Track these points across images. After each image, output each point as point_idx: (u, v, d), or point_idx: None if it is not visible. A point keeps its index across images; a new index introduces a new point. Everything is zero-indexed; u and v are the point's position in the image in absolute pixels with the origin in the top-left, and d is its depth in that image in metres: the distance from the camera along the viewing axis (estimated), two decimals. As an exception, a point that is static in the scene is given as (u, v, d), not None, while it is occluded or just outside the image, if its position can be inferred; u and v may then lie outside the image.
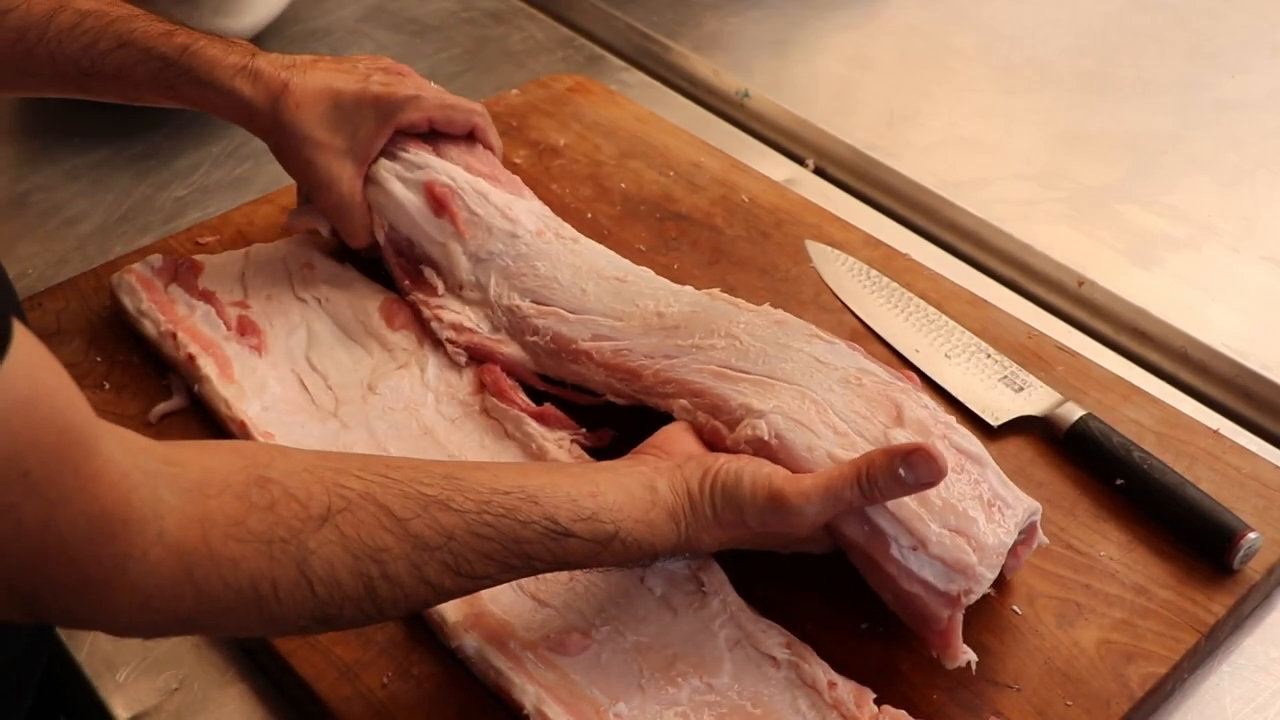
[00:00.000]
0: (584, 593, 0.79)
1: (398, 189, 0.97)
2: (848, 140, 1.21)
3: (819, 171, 1.22)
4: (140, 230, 1.14)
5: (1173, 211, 1.13)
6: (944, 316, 0.98)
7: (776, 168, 1.19)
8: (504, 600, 0.78)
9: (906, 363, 0.94)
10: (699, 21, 1.39)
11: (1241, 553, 0.80)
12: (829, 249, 1.05)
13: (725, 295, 0.90)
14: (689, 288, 0.92)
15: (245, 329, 0.96)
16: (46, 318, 0.99)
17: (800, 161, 1.22)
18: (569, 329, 0.90)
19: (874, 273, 1.02)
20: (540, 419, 0.89)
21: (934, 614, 0.73)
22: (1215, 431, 0.90)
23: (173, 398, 0.93)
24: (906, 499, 0.73)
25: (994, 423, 0.90)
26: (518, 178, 1.02)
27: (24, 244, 1.13)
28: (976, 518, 0.74)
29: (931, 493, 0.73)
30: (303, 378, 0.94)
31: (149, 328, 0.96)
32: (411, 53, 1.37)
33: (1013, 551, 0.77)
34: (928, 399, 0.81)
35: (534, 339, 0.91)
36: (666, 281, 0.94)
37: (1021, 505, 0.76)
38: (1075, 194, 1.16)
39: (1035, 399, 0.90)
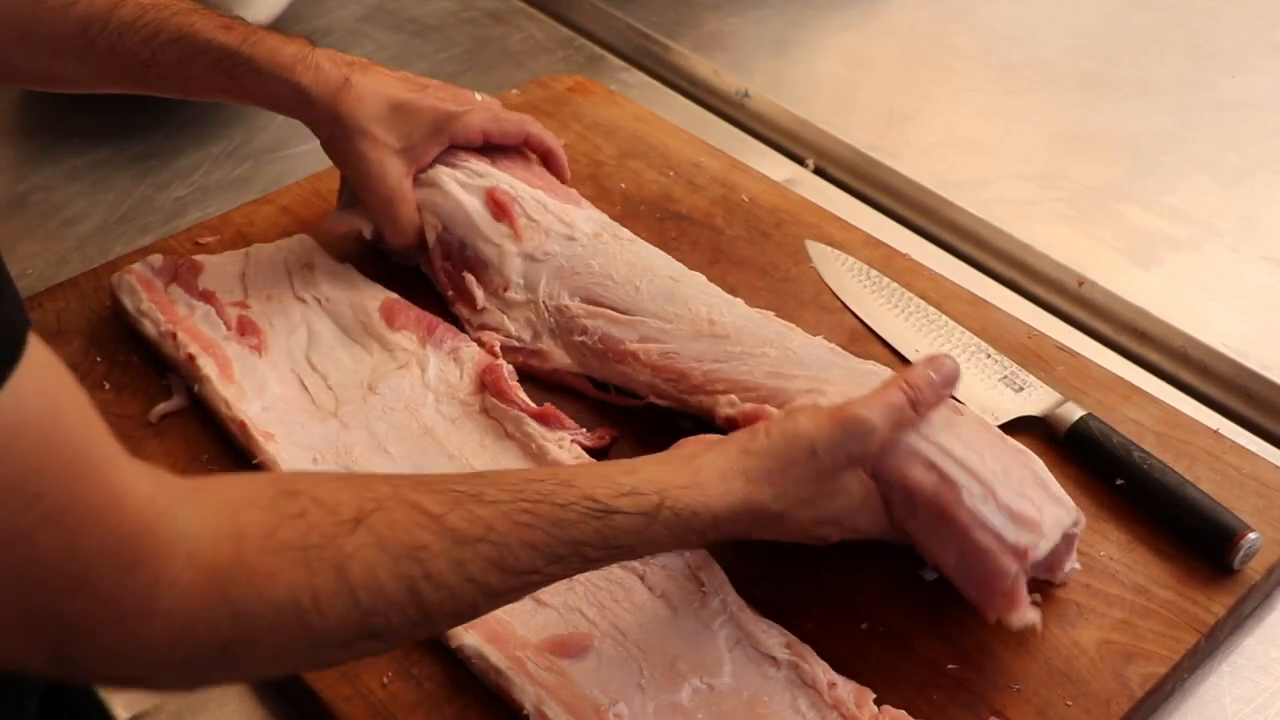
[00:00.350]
0: (584, 593, 0.79)
1: (457, 191, 0.99)
2: (848, 140, 1.21)
3: (819, 171, 1.22)
4: (140, 230, 1.14)
5: (1173, 211, 1.13)
6: (944, 316, 0.98)
7: (776, 168, 1.19)
8: (504, 600, 0.78)
9: (906, 363, 0.94)
10: (699, 21, 1.39)
11: (1241, 553, 0.80)
12: (829, 249, 1.05)
13: (780, 319, 0.91)
14: (741, 301, 0.93)
15: (245, 329, 0.96)
16: (46, 318, 0.99)
17: (800, 161, 1.22)
18: (618, 330, 0.91)
19: (874, 273, 1.02)
20: (540, 419, 0.89)
21: (1002, 568, 0.73)
22: (1215, 431, 0.90)
23: (173, 398, 0.93)
24: (969, 463, 0.75)
25: (994, 423, 0.89)
26: (574, 191, 1.04)
27: (24, 244, 1.13)
28: (1034, 491, 0.76)
29: (993, 465, 0.75)
30: (303, 378, 0.94)
31: (149, 328, 0.96)
32: (411, 53, 1.37)
33: (1055, 563, 0.78)
34: (981, 416, 0.82)
35: (581, 339, 0.92)
36: (719, 289, 0.95)
37: (1069, 505, 0.77)
38: (1075, 194, 1.16)
39: (1035, 399, 0.90)
